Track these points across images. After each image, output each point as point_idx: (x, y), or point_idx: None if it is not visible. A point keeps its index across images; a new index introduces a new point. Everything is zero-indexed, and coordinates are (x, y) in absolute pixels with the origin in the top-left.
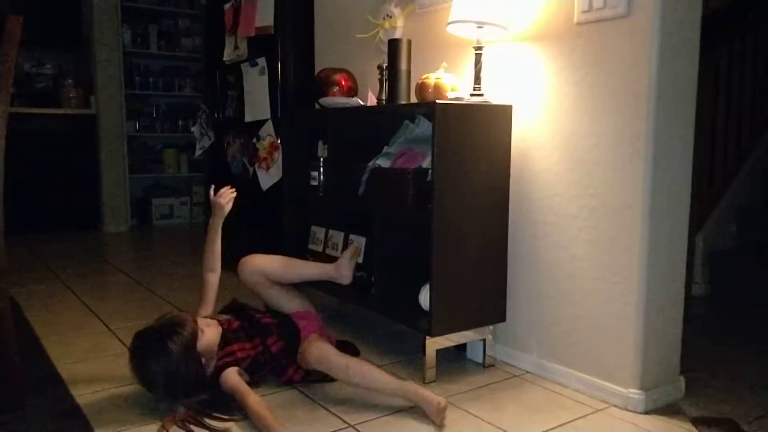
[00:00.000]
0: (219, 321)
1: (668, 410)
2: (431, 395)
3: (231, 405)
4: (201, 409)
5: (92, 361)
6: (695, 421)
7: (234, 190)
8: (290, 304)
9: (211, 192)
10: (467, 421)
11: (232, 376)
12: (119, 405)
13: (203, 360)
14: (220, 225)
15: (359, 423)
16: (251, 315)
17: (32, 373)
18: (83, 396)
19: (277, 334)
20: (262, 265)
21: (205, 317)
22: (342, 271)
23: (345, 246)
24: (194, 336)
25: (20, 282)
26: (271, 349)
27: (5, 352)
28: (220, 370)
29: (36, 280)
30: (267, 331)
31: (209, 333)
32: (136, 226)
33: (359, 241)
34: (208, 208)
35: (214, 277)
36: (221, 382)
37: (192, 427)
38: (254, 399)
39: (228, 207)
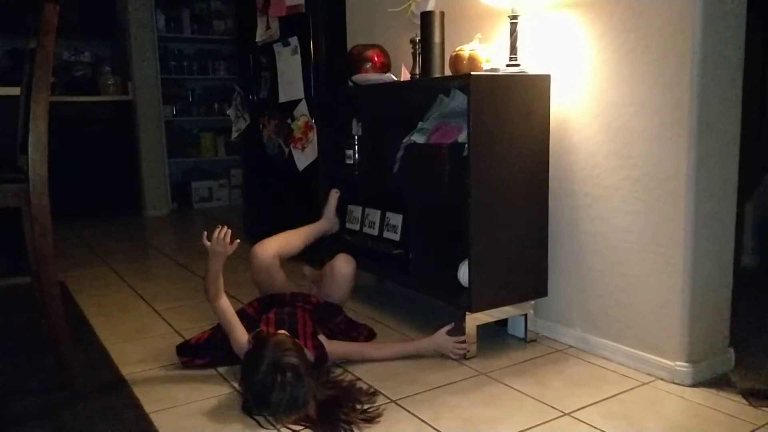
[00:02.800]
0: (264, 327)
1: (717, 382)
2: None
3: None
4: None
5: (140, 341)
6: (745, 393)
7: (229, 230)
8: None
9: (204, 239)
10: (509, 396)
11: (332, 346)
12: (167, 383)
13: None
14: (221, 267)
15: (401, 398)
16: (275, 300)
17: (82, 353)
18: (132, 374)
19: (302, 299)
20: (273, 246)
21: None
22: (329, 218)
23: (382, 224)
24: (299, 348)
25: (68, 266)
26: (305, 308)
27: (57, 334)
28: (319, 351)
29: (82, 264)
30: (294, 298)
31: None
32: (177, 209)
33: (396, 219)
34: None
35: (225, 301)
36: (330, 356)
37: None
38: (375, 346)
39: (230, 250)
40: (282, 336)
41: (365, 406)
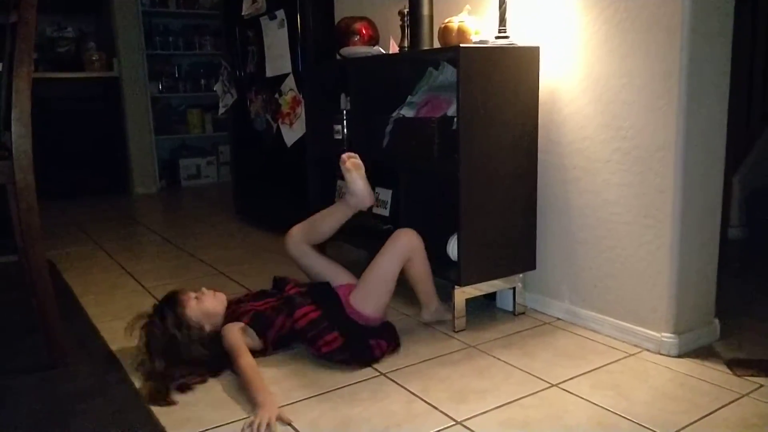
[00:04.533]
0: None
1: (702, 353)
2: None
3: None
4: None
5: (129, 318)
6: (730, 363)
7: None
8: (337, 277)
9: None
10: (498, 368)
11: (230, 332)
12: None
13: (201, 324)
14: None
15: (390, 371)
16: (278, 287)
17: (73, 331)
18: (122, 351)
19: (306, 304)
20: (298, 231)
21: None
22: (357, 192)
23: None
24: (180, 304)
25: (56, 245)
26: (298, 323)
27: (46, 312)
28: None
29: (70, 243)
30: (292, 301)
31: (207, 300)
32: (165, 187)
33: (385, 194)
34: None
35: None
36: (222, 339)
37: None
38: (246, 361)
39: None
40: (176, 295)
41: (189, 378)
